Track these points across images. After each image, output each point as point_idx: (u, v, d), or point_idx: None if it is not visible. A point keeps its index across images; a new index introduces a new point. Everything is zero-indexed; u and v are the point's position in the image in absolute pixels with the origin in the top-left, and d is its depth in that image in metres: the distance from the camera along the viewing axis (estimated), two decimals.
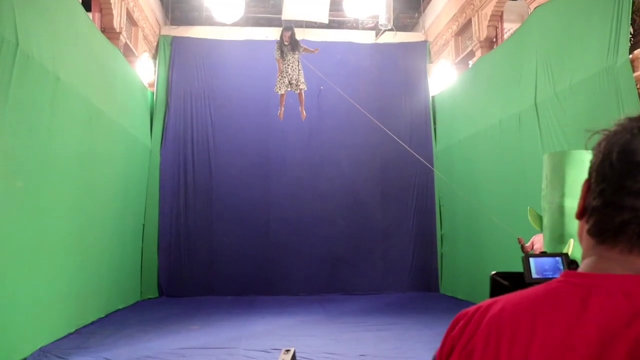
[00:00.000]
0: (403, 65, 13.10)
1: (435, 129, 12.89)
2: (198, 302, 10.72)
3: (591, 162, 0.88)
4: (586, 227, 0.84)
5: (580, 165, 4.98)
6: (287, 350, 1.58)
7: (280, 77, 8.44)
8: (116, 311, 9.37)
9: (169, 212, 11.87)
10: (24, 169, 6.19)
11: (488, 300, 0.88)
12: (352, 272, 12.05)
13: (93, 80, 8.39)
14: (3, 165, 5.77)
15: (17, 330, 6.03)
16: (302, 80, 8.49)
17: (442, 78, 12.75)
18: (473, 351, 0.81)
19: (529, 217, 5.73)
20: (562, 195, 4.95)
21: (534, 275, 1.18)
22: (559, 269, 1.19)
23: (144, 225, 11.51)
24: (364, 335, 7.64)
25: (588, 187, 0.86)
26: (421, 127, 12.89)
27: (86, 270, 8.11)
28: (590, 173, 0.87)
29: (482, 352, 0.80)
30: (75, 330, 7.61)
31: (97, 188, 8.62)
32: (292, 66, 8.32)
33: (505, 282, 1.22)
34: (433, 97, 12.97)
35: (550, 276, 1.19)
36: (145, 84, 11.78)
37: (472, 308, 0.88)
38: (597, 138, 0.90)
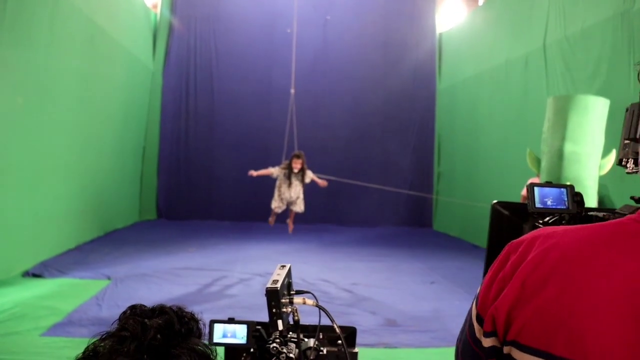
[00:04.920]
0: None
1: (440, 66, 12.71)
2: (195, 226, 10.92)
3: None
4: None
5: (584, 111, 4.96)
6: (283, 266, 1.64)
7: (278, 196, 7.93)
8: (115, 230, 9.55)
9: (169, 135, 11.88)
10: (23, 85, 6.14)
11: (544, 230, 0.85)
12: (348, 204, 12.20)
13: None
14: (3, 79, 5.72)
15: (20, 244, 6.18)
16: (301, 203, 7.98)
17: (451, 15, 12.44)
18: (542, 281, 0.79)
19: (528, 160, 5.76)
20: (563, 139, 4.95)
21: (537, 205, 1.19)
22: (563, 200, 1.20)
23: (144, 147, 11.53)
24: (356, 265, 7.84)
25: None
26: (426, 63, 12.70)
27: (86, 189, 8.21)
28: None
29: (551, 280, 0.78)
30: (76, 246, 7.79)
31: (98, 108, 8.58)
32: (294, 190, 7.84)
33: (506, 212, 1.25)
34: (440, 34, 12.70)
35: (554, 207, 1.21)
36: (149, 5, 11.50)
37: (525, 238, 0.85)
38: None
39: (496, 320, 0.83)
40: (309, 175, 7.95)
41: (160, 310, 0.95)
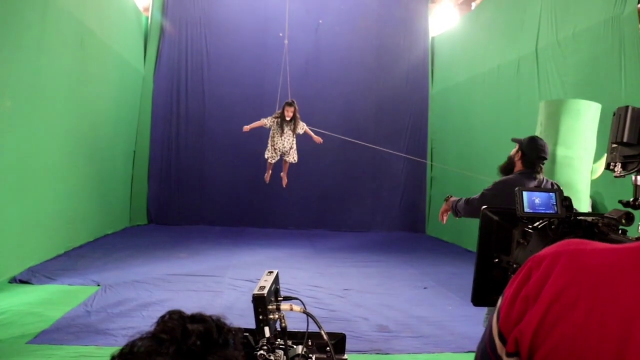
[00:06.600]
0: (404, 3, 12.78)
1: (432, 70, 12.73)
2: (186, 231, 10.84)
3: None
4: None
5: (576, 115, 4.96)
6: (270, 272, 1.61)
7: (271, 146, 7.93)
8: (105, 236, 9.47)
9: (160, 140, 11.80)
10: (12, 87, 6.06)
11: (568, 245, 0.81)
12: (341, 209, 12.18)
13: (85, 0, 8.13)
14: None
15: (7, 249, 6.10)
16: (294, 153, 7.98)
17: (444, 19, 12.48)
18: (568, 307, 0.75)
19: None
20: (555, 144, 4.95)
21: (526, 210, 1.17)
22: (552, 205, 1.19)
23: (134, 152, 11.45)
24: (349, 270, 7.80)
25: None
26: (418, 67, 12.72)
27: (76, 194, 8.13)
28: None
29: (577, 307, 0.74)
30: (65, 252, 7.71)
31: (88, 111, 8.51)
32: (287, 140, 7.82)
33: (495, 217, 1.23)
34: (433, 38, 12.74)
35: (543, 211, 1.19)
36: (140, 8, 11.44)
37: (548, 253, 0.81)
38: None
39: (520, 344, 0.79)
40: (302, 127, 7.91)
41: (200, 318, 0.92)
